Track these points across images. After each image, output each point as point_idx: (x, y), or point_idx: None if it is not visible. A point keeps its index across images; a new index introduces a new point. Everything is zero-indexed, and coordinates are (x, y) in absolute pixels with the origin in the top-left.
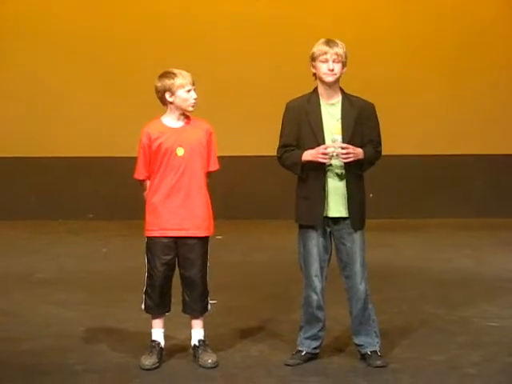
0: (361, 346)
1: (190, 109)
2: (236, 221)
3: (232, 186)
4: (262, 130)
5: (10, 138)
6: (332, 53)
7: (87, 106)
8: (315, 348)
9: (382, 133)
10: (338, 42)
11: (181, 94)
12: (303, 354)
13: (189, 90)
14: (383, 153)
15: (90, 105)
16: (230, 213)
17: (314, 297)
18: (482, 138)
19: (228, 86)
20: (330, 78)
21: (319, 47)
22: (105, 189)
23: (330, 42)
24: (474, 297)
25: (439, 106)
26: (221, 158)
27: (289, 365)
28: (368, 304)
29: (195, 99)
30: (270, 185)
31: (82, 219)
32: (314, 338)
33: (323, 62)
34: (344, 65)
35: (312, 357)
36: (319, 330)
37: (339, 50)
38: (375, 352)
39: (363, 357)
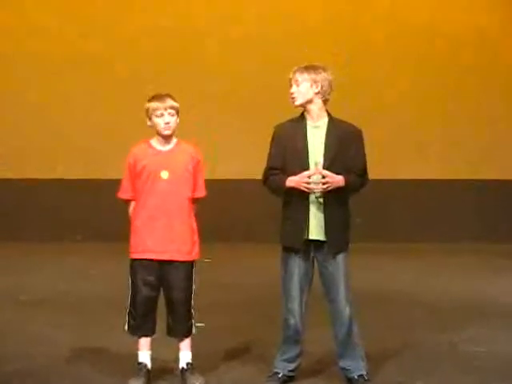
0: (347, 370)
1: (166, 132)
2: (226, 243)
3: (222, 208)
4: (253, 153)
5: None
6: (291, 78)
7: (76, 127)
8: (291, 371)
9: (374, 157)
10: (308, 66)
11: (153, 118)
12: (280, 376)
13: (161, 114)
14: (375, 177)
15: (79, 126)
16: (220, 235)
17: (292, 320)
18: (474, 163)
19: (218, 111)
20: (294, 102)
21: None
22: (93, 210)
23: (297, 67)
24: (463, 322)
25: (431, 131)
26: (211, 181)
27: None
28: (353, 328)
29: (166, 123)
30: (260, 208)
31: (70, 241)
32: (290, 360)
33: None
34: (311, 85)
35: (288, 379)
36: (296, 354)
37: (299, 72)
38: (362, 376)
39: (350, 381)
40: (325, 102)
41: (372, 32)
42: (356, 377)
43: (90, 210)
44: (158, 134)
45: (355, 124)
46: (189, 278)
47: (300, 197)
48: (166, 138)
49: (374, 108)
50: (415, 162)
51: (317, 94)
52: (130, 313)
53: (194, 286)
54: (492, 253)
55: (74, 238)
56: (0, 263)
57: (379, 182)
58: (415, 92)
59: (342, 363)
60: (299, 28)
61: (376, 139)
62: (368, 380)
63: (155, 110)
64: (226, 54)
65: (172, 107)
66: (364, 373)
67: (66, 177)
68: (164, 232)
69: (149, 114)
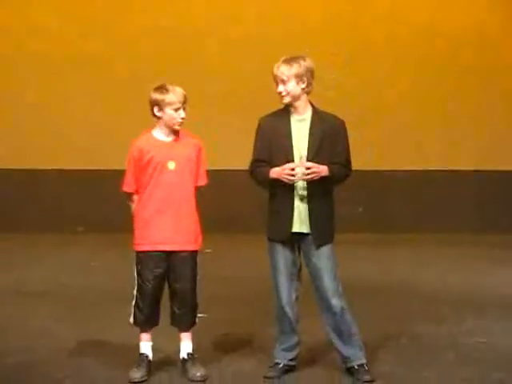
0: (347, 358)
1: (176, 127)
2: (226, 234)
3: (223, 199)
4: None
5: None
6: (276, 75)
7: (77, 118)
8: (291, 360)
9: (374, 156)
10: (289, 60)
11: (168, 111)
12: (281, 366)
13: (177, 109)
14: (373, 168)
15: (80, 118)
16: (220, 226)
17: (284, 310)
18: (473, 153)
19: (219, 100)
20: (283, 100)
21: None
22: (94, 202)
23: (279, 63)
24: (462, 313)
25: (431, 131)
26: (211, 172)
27: (267, 377)
28: (346, 317)
29: (182, 118)
30: (260, 199)
31: (71, 233)
32: (289, 349)
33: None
34: (298, 82)
35: (289, 369)
36: (295, 342)
37: (283, 69)
38: (362, 366)
39: (349, 370)
40: (309, 93)
41: (372, 32)
42: (356, 366)
43: (92, 202)
44: (167, 126)
45: (355, 121)
46: (196, 268)
47: (285, 189)
48: (174, 129)
49: (373, 108)
50: (415, 161)
51: (303, 89)
52: (136, 306)
53: (198, 276)
54: (491, 244)
55: (75, 229)
56: (0, 255)
57: (379, 173)
58: (415, 92)
59: (341, 352)
60: (299, 28)
61: (376, 139)
62: (368, 370)
63: (172, 103)
64: (226, 54)
65: (186, 101)
66: (364, 362)
67: (66, 167)
68: (172, 223)
69: (162, 105)
